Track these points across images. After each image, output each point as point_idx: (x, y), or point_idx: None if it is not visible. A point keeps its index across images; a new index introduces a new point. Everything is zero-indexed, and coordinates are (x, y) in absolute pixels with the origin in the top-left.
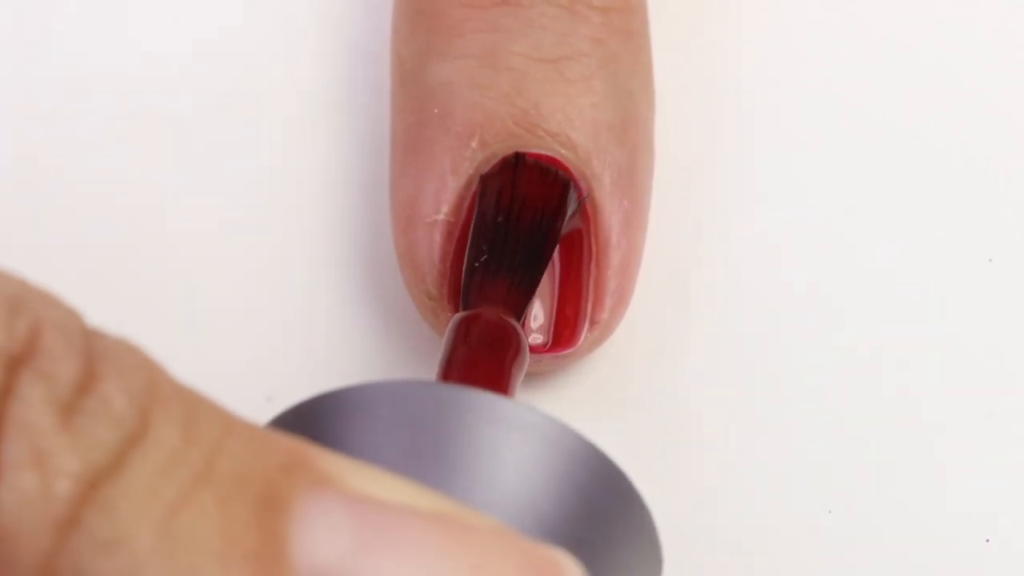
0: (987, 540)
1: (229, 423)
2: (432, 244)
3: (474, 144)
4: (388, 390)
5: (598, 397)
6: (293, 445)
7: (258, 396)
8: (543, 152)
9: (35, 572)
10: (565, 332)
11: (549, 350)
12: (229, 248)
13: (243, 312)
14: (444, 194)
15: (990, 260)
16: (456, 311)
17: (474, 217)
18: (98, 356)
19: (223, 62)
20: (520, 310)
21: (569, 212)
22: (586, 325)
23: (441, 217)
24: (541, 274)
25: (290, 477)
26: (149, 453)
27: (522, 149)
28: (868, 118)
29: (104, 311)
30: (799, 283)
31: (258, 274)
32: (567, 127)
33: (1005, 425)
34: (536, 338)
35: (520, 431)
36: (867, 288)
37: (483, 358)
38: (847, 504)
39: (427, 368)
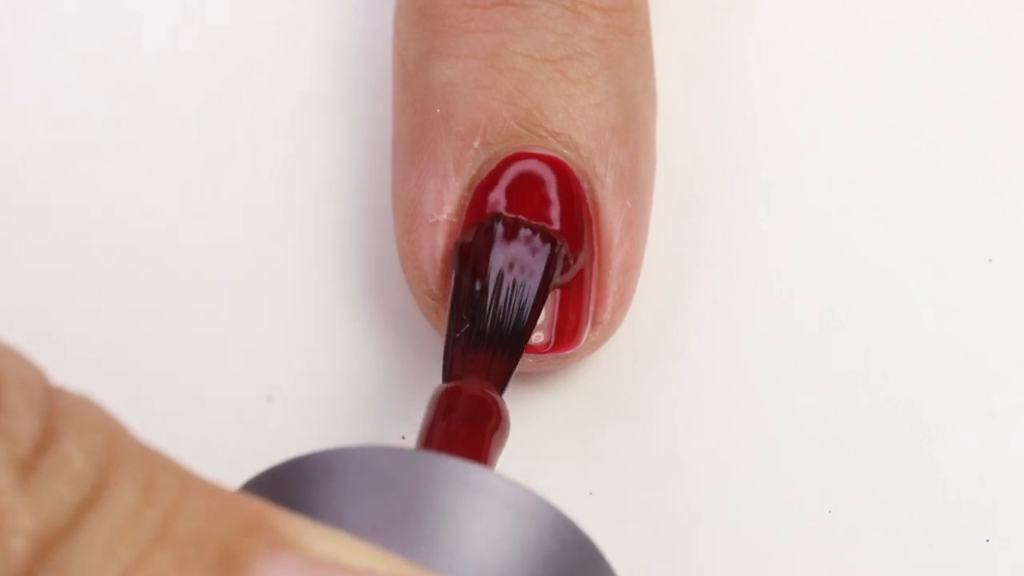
0: (987, 540)
1: (188, 482)
2: (435, 244)
3: (476, 144)
4: (363, 455)
5: (599, 397)
6: (254, 506)
7: (260, 396)
8: (545, 152)
9: None
10: (567, 332)
11: (551, 350)
12: (231, 247)
13: (245, 311)
14: (446, 195)
15: (990, 260)
16: None
17: (451, 287)
18: (59, 414)
19: (223, 62)
20: (503, 381)
21: (557, 273)
22: (588, 325)
23: (444, 218)
24: (525, 344)
25: (249, 538)
26: (107, 513)
27: (524, 150)
28: (869, 119)
29: (104, 309)
30: (799, 283)
31: (261, 274)
32: (569, 127)
33: (1005, 424)
34: (538, 337)
35: (491, 499)
36: (868, 289)
37: (463, 431)
38: (847, 504)
39: (428, 367)
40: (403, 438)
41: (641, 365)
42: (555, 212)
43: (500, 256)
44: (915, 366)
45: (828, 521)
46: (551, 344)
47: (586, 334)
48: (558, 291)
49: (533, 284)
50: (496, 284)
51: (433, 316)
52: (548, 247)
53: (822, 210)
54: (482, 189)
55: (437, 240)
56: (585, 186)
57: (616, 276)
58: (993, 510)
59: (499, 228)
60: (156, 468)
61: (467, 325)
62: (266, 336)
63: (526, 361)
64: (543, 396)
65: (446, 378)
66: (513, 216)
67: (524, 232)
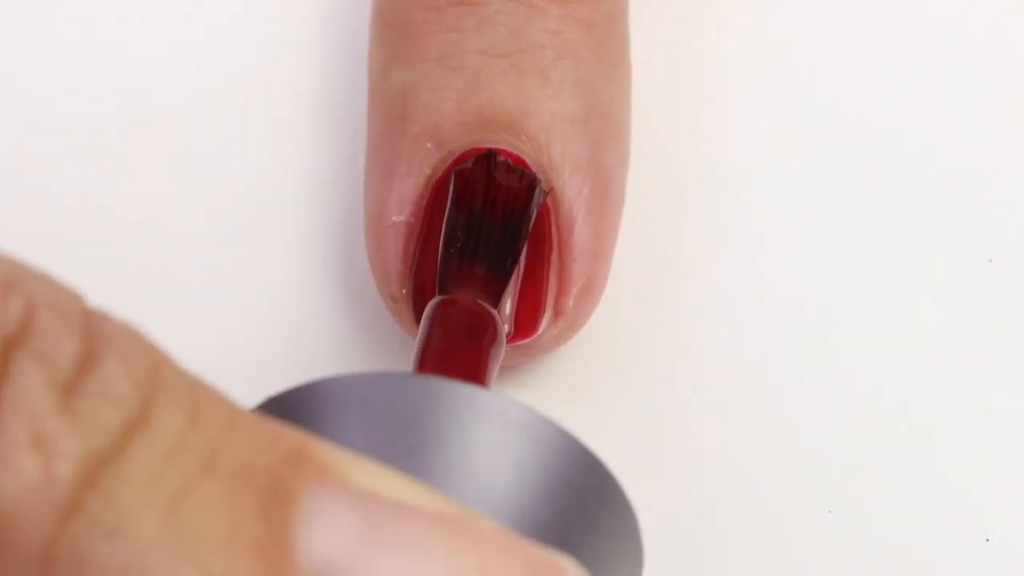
0: (987, 540)
1: (233, 412)
2: (395, 246)
3: (430, 145)
4: (363, 382)
5: (577, 394)
6: (297, 437)
7: (260, 396)
8: (499, 147)
9: (36, 557)
10: (524, 320)
11: (509, 340)
12: (223, 245)
13: (243, 309)
14: (404, 196)
15: (990, 260)
16: (418, 313)
17: (448, 207)
18: (99, 337)
19: (220, 62)
20: (496, 296)
21: (535, 206)
22: (547, 314)
23: (402, 219)
24: (516, 261)
25: (295, 470)
26: (153, 439)
27: (477, 145)
28: (867, 116)
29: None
30: (792, 281)
31: (259, 273)
32: (522, 120)
33: (1003, 424)
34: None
35: (503, 425)
36: (865, 287)
37: (460, 345)
38: (846, 503)
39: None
40: None
41: (619, 362)
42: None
43: (493, 181)
44: (914, 365)
45: (827, 520)
46: (511, 333)
47: (544, 322)
48: (518, 280)
49: (521, 205)
50: (492, 202)
51: (396, 317)
52: (532, 180)
53: (817, 209)
54: (439, 187)
55: (397, 242)
56: (542, 177)
57: (578, 264)
58: (992, 509)
59: (494, 159)
60: (201, 396)
61: (460, 243)
62: (266, 336)
63: None
64: (521, 391)
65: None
66: (496, 149)
67: (511, 166)
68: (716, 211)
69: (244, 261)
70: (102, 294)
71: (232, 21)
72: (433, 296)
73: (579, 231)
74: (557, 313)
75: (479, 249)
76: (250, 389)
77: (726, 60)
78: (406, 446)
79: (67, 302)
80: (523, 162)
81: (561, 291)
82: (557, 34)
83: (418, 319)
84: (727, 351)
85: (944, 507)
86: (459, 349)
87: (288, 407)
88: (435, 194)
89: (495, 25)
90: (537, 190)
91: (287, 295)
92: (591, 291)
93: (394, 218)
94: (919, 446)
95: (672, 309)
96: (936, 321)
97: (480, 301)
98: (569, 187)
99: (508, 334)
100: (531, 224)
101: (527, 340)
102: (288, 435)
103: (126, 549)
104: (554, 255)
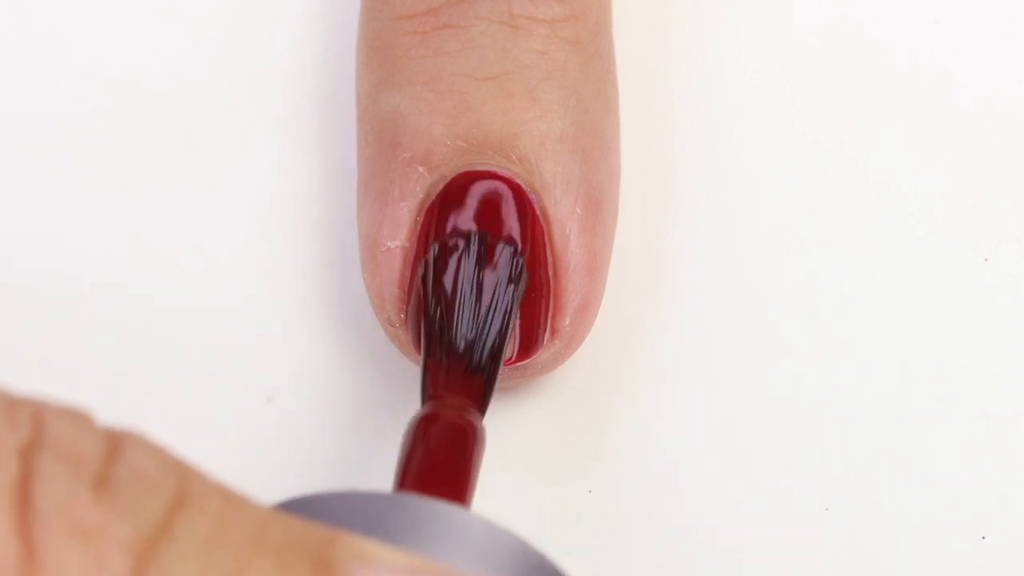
0: (983, 537)
1: (261, 504)
2: (391, 272)
3: (422, 169)
4: (345, 501)
5: (575, 414)
6: (328, 527)
7: (259, 397)
8: (488, 169)
9: None
10: (521, 341)
11: (507, 362)
12: (232, 248)
13: (246, 311)
14: (398, 221)
15: (986, 259)
16: (416, 337)
17: (420, 308)
18: (116, 435)
19: (220, 62)
20: (483, 400)
21: (522, 286)
22: (545, 334)
23: (397, 244)
24: (500, 359)
25: (336, 549)
26: (197, 519)
27: (468, 168)
28: (863, 117)
29: (103, 310)
30: (788, 288)
31: (261, 274)
32: (511, 141)
33: (1000, 422)
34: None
35: (471, 542)
36: (862, 287)
37: (441, 468)
38: (844, 503)
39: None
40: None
41: (617, 374)
42: (506, 226)
43: (465, 272)
44: (911, 365)
45: (825, 519)
46: (512, 356)
47: (543, 342)
48: None
49: (502, 297)
50: (465, 300)
51: (395, 342)
52: (513, 260)
53: (814, 208)
54: (431, 212)
55: (393, 267)
56: (533, 197)
57: (573, 283)
58: (989, 507)
59: (461, 244)
60: (228, 488)
61: (440, 345)
62: (267, 336)
63: None
64: (514, 413)
65: (424, 399)
66: (475, 231)
67: (484, 246)
68: (711, 221)
69: (258, 262)
70: (106, 298)
71: (236, 21)
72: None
73: (573, 250)
74: (554, 332)
75: (458, 354)
76: (259, 391)
77: (712, 70)
78: None
79: (75, 410)
80: (517, 185)
81: (557, 310)
82: (543, 54)
83: (416, 343)
84: (724, 362)
85: (941, 505)
86: (440, 472)
87: None
88: (428, 219)
89: (481, 47)
90: (519, 262)
91: (303, 295)
92: (587, 309)
93: (389, 244)
94: (916, 445)
95: (668, 325)
96: (932, 319)
97: (464, 411)
98: (561, 206)
99: (509, 356)
100: (518, 303)
101: (524, 361)
102: (317, 524)
103: None
104: (549, 274)
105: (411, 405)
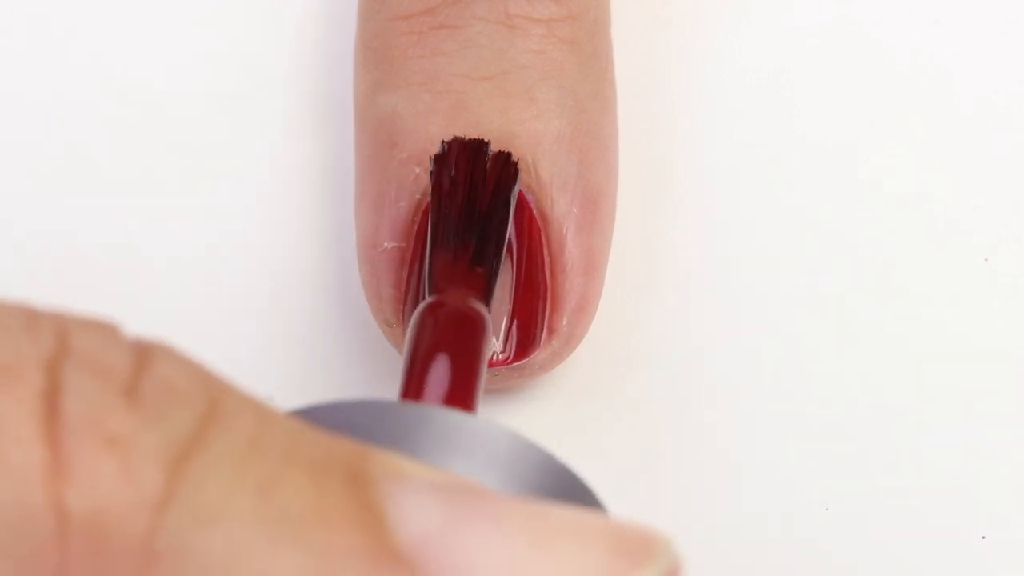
0: (983, 537)
1: (293, 417)
2: (388, 272)
3: (419, 170)
4: (350, 408)
5: (574, 414)
6: (357, 442)
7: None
8: None
9: (136, 553)
10: (519, 341)
11: (507, 362)
12: (232, 248)
13: (246, 310)
14: (395, 221)
15: (986, 259)
16: None
17: (431, 200)
18: (143, 347)
19: (220, 62)
20: (487, 288)
21: (516, 190)
22: (543, 334)
23: (394, 244)
24: (503, 245)
25: (368, 463)
26: (229, 432)
27: None
28: (861, 117)
29: (104, 311)
30: (787, 287)
31: (261, 274)
32: (508, 141)
33: (1000, 422)
34: (495, 351)
35: (485, 447)
36: (862, 287)
37: (448, 361)
38: (844, 502)
39: None
40: None
41: (616, 371)
42: None
43: (466, 170)
44: (910, 364)
45: (825, 518)
46: (510, 356)
47: (540, 342)
48: (511, 302)
49: (507, 191)
50: (466, 196)
51: (393, 342)
52: (509, 161)
53: (808, 213)
54: (428, 212)
55: (390, 268)
56: (530, 197)
57: (570, 283)
58: (989, 507)
59: (463, 146)
60: (260, 400)
61: (446, 232)
62: (265, 336)
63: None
64: (512, 414)
65: (429, 291)
66: (478, 140)
67: (485, 148)
68: (710, 221)
69: (258, 263)
70: (105, 298)
71: (232, 22)
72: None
73: (570, 249)
74: (551, 332)
75: (465, 238)
76: (258, 391)
77: (712, 70)
78: None
79: (101, 322)
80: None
81: (554, 310)
82: (540, 54)
83: None
84: (723, 361)
85: (941, 505)
86: (450, 355)
87: None
88: (425, 219)
89: (478, 47)
90: (518, 175)
91: (303, 294)
92: (584, 309)
93: (386, 244)
94: (916, 444)
95: (666, 324)
96: (932, 320)
97: (469, 300)
98: (558, 206)
99: (507, 357)
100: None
101: (522, 361)
102: (349, 439)
103: (226, 535)
104: (546, 274)
105: None
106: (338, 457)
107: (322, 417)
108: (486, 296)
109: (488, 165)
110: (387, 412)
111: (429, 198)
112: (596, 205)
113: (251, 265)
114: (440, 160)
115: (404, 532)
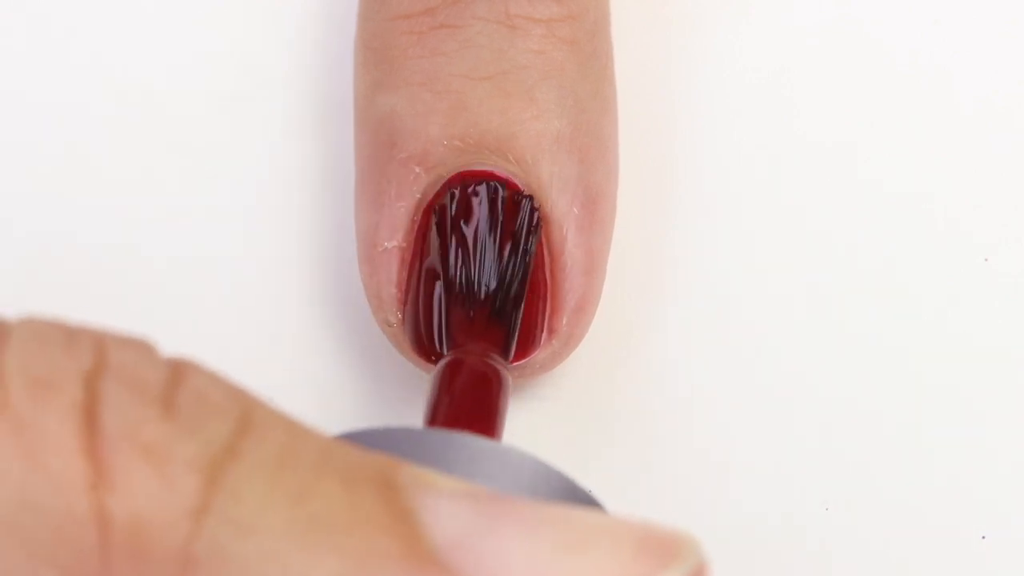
0: (983, 537)
1: (323, 434)
2: (388, 272)
3: (418, 169)
4: (379, 437)
5: (574, 413)
6: (384, 454)
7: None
8: (487, 169)
9: (174, 559)
10: (519, 341)
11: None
12: (224, 248)
13: (245, 311)
14: (395, 221)
15: (986, 260)
16: (413, 337)
17: (435, 257)
18: (177, 362)
19: (220, 62)
20: (505, 344)
21: (536, 230)
22: (543, 334)
23: (393, 244)
24: (522, 300)
25: (399, 473)
26: (262, 443)
27: (466, 168)
28: (861, 117)
29: (104, 311)
30: (786, 288)
31: (261, 275)
32: (508, 142)
33: (1000, 422)
34: None
35: (502, 470)
36: (862, 287)
37: (468, 412)
38: (844, 502)
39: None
40: None
41: (621, 378)
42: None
43: (484, 218)
44: (910, 364)
45: (824, 518)
46: (510, 356)
47: (539, 343)
48: None
49: (522, 244)
50: (486, 247)
51: (394, 341)
52: (530, 209)
53: (808, 213)
54: (429, 211)
55: (390, 268)
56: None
57: (570, 283)
58: (989, 507)
59: (472, 190)
60: (289, 416)
61: (459, 290)
62: (265, 336)
63: None
64: (517, 412)
65: (448, 345)
66: (482, 178)
67: (494, 192)
68: (710, 221)
69: (258, 263)
70: (104, 299)
71: (232, 22)
72: (428, 321)
73: (570, 249)
74: (551, 332)
75: (478, 298)
76: (258, 391)
77: (712, 70)
78: None
79: (136, 339)
80: (515, 185)
81: (555, 310)
82: (540, 54)
83: (413, 343)
84: (722, 361)
85: (941, 505)
86: (467, 418)
87: None
88: (426, 218)
89: (478, 47)
90: (530, 205)
91: (303, 295)
92: (584, 309)
93: (386, 244)
94: (916, 444)
95: (666, 324)
96: (932, 320)
97: (488, 356)
98: (558, 206)
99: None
100: (531, 248)
101: (522, 361)
102: (375, 453)
103: (263, 541)
104: (546, 274)
105: (410, 404)
106: (369, 467)
107: (356, 441)
108: (505, 351)
109: (506, 207)
110: (413, 438)
111: (429, 199)
112: (596, 205)
113: (251, 265)
114: (451, 205)
115: (437, 537)
